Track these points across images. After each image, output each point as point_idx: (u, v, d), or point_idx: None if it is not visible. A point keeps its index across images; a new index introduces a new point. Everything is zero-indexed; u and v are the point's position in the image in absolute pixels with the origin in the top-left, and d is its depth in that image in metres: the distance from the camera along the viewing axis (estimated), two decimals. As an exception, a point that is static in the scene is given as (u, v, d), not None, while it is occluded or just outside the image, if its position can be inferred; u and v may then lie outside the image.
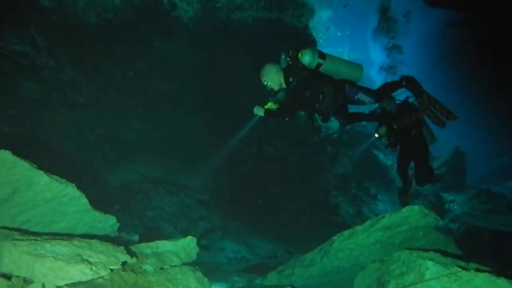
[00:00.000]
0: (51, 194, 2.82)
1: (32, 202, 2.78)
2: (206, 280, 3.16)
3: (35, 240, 2.35)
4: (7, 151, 2.59)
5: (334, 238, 3.97)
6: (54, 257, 2.25)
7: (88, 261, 2.35)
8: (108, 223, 3.29)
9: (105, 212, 5.91)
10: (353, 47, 25.94)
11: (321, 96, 4.97)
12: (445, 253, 3.53)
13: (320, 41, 20.31)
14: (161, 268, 3.01)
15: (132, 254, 2.94)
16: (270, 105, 5.02)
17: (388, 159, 17.73)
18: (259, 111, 5.03)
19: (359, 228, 3.82)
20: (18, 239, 2.26)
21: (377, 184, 15.08)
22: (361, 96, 5.20)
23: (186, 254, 3.32)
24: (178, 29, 10.43)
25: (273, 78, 4.88)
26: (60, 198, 2.88)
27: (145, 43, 9.76)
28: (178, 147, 9.42)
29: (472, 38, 16.38)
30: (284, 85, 4.92)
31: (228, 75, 11.31)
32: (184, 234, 6.97)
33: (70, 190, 2.89)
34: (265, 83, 4.88)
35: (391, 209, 14.03)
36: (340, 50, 25.56)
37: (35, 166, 2.74)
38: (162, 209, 7.57)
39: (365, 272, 3.90)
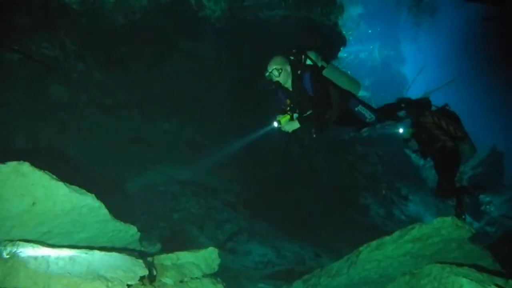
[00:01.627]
0: (71, 205, 2.79)
1: (51, 213, 2.76)
2: (227, 293, 3.08)
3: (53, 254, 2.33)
4: (26, 162, 2.58)
5: (361, 248, 3.81)
6: (70, 273, 2.21)
7: (104, 277, 2.30)
8: (128, 232, 3.25)
9: (128, 219, 5.95)
10: (384, 44, 25.32)
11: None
12: (480, 268, 3.33)
13: (350, 38, 19.96)
14: (181, 281, 2.95)
15: (151, 266, 2.89)
16: (286, 117, 4.72)
17: (420, 158, 17.20)
18: (292, 126, 4.72)
19: (387, 238, 3.65)
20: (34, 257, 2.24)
21: (408, 184, 14.65)
22: (361, 108, 5.05)
23: (207, 266, 3.24)
24: (205, 29, 10.40)
25: (286, 69, 4.66)
26: (79, 208, 2.85)
27: (172, 43, 9.79)
28: (206, 148, 9.42)
29: (509, 32, 15.68)
30: (288, 83, 4.70)
31: (255, 75, 11.22)
32: (210, 238, 6.97)
33: (90, 201, 2.86)
34: (278, 71, 4.59)
35: (423, 210, 13.62)
36: (371, 47, 25.06)
37: (55, 177, 2.72)
38: (188, 211, 7.56)
39: (394, 285, 3.75)
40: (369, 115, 5.09)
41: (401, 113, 5.75)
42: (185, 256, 3.18)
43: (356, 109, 5.02)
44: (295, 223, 9.37)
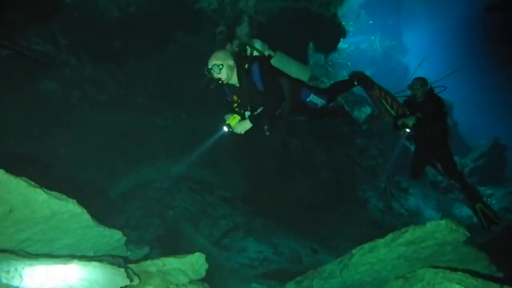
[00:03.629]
0: (51, 212, 2.71)
1: (30, 220, 2.68)
2: (213, 300, 3.00)
3: (28, 266, 2.24)
4: (1, 170, 2.49)
5: (353, 251, 3.73)
6: (42, 287, 2.13)
7: (81, 290, 2.22)
8: (113, 238, 3.16)
9: (122, 216, 5.87)
10: (386, 35, 25.04)
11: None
12: (475, 273, 3.24)
13: (351, 29, 19.70)
14: (166, 289, 2.87)
15: (135, 273, 2.81)
16: (235, 118, 4.29)
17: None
18: (244, 126, 4.27)
19: (380, 241, 3.56)
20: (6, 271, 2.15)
21: (409, 177, 14.52)
22: (313, 98, 4.77)
23: (194, 271, 3.17)
24: (201, 21, 10.24)
25: (230, 65, 4.27)
26: (60, 215, 2.76)
27: (168, 37, 9.63)
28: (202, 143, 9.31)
29: (508, 22, 15.48)
30: (233, 79, 4.32)
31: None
32: (205, 235, 6.90)
33: (71, 207, 2.77)
34: (219, 68, 4.16)
35: (423, 203, 13.53)
36: (372, 37, 24.75)
37: (33, 183, 2.63)
38: (183, 207, 7.50)
39: (386, 289, 3.65)
40: (320, 102, 4.82)
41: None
42: (171, 262, 3.10)
43: (308, 99, 4.75)
44: (293, 219, 9.30)
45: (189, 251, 6.41)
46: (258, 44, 4.48)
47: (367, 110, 16.11)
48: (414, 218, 12.66)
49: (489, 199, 14.43)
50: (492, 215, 6.42)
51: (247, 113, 4.35)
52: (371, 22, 23.96)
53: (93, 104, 7.36)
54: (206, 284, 3.23)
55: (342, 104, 12.85)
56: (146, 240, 6.42)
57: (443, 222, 3.25)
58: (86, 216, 2.90)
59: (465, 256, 3.62)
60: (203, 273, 3.26)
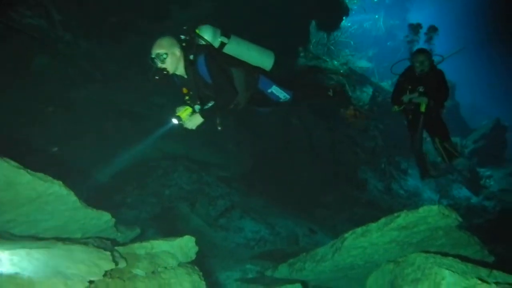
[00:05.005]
0: (36, 193, 2.67)
1: (15, 202, 2.65)
2: (202, 284, 3.00)
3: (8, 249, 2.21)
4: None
5: (346, 235, 3.71)
6: (25, 270, 2.11)
7: (63, 274, 2.20)
8: (101, 219, 3.15)
9: (118, 194, 5.84)
10: (390, 13, 24.59)
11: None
12: (466, 258, 3.23)
13: (355, 7, 19.39)
14: (154, 272, 2.86)
15: (122, 256, 2.79)
16: (187, 110, 3.95)
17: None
18: (195, 121, 3.95)
19: (372, 226, 3.54)
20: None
21: (408, 158, 14.49)
22: (275, 89, 4.35)
23: (184, 254, 3.15)
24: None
25: (175, 54, 3.87)
26: (46, 196, 2.73)
27: (165, 13, 9.43)
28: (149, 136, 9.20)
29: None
30: (180, 70, 3.96)
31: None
32: (201, 215, 6.91)
33: (56, 189, 2.74)
34: (162, 57, 3.78)
35: (422, 184, 13.51)
36: (376, 16, 24.32)
37: (16, 164, 2.59)
38: (180, 187, 7.48)
39: (378, 273, 3.67)
40: (283, 96, 4.40)
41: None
42: (160, 245, 3.08)
43: (269, 90, 4.33)
44: (291, 199, 9.30)
45: (184, 230, 6.43)
46: (206, 31, 4.04)
47: (369, 90, 15.96)
48: (413, 199, 12.68)
49: (487, 181, 14.42)
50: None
51: (197, 107, 4.03)
52: (375, 0, 23.56)
53: (88, 81, 7.26)
54: (195, 267, 3.22)
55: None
56: (142, 219, 6.44)
57: (435, 207, 3.21)
58: (73, 198, 2.87)
59: (457, 241, 3.61)
60: (193, 256, 3.25)
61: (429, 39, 6.55)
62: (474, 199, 13.02)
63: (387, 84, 16.51)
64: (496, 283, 2.68)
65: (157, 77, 3.87)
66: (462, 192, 13.50)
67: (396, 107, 6.10)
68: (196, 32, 4.00)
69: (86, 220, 3.06)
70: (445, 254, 3.23)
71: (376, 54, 20.26)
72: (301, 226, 8.11)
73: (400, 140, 15.03)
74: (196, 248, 3.24)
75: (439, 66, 6.27)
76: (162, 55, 3.79)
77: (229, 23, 10.29)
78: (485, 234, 9.39)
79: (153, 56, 3.84)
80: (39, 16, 6.44)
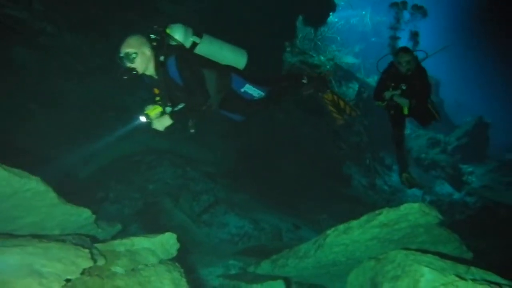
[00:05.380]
0: (12, 189, 2.61)
1: (-10, 199, 2.59)
2: (183, 281, 2.97)
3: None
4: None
5: (328, 232, 3.73)
6: (-1, 269, 2.06)
7: (39, 273, 2.16)
8: (81, 216, 3.10)
9: (100, 189, 5.76)
10: (376, 9, 24.69)
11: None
12: (444, 255, 3.27)
13: (342, 3, 19.42)
14: (133, 270, 2.83)
15: (101, 254, 2.76)
16: (156, 109, 3.80)
17: (406, 128, 17.15)
18: (163, 122, 3.78)
19: (354, 223, 3.56)
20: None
21: (393, 154, 14.62)
22: (248, 88, 4.25)
23: (165, 251, 3.12)
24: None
25: (145, 54, 3.73)
26: (22, 193, 2.68)
27: (153, 6, 9.31)
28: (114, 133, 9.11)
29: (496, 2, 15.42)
30: (149, 70, 3.81)
31: (241, 41, 10.87)
32: (185, 210, 6.88)
33: (34, 185, 2.68)
34: (131, 56, 3.65)
35: (406, 180, 13.63)
36: (363, 12, 24.42)
37: (-9, 161, 2.53)
38: (164, 182, 7.42)
39: (359, 270, 3.69)
40: (257, 93, 4.29)
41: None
42: (140, 242, 3.05)
43: (242, 90, 4.22)
44: (276, 194, 9.32)
45: (168, 226, 6.43)
46: (177, 30, 3.89)
47: (355, 85, 16.04)
48: (397, 195, 12.83)
49: (469, 177, 14.65)
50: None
51: (168, 109, 3.88)
52: (362, -4, 23.67)
53: (71, 74, 7.14)
54: (176, 264, 3.20)
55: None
56: (125, 215, 6.38)
57: (416, 205, 3.24)
58: (51, 194, 2.82)
59: (437, 238, 3.66)
60: (174, 253, 3.23)
61: (415, 44, 6.53)
62: (457, 195, 13.23)
63: (373, 80, 16.63)
64: (473, 279, 2.73)
65: (125, 77, 3.73)
66: (445, 188, 13.70)
67: (379, 102, 6.12)
68: (166, 32, 3.87)
69: (65, 216, 3.01)
70: (425, 251, 3.27)
71: (363, 50, 20.36)
72: (285, 222, 8.13)
73: (384, 136, 15.20)
74: (177, 245, 3.22)
75: (424, 64, 6.28)
76: (131, 55, 3.66)
77: (217, 17, 10.27)
78: (466, 229, 9.57)
79: (121, 55, 3.70)
80: (20, 7, 6.28)
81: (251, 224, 7.38)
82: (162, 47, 3.79)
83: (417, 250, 3.37)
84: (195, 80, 3.78)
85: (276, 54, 12.36)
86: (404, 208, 3.28)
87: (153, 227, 6.06)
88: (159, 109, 3.85)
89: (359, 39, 21.98)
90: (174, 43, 3.87)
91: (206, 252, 5.82)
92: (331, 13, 14.29)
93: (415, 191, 13.01)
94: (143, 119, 3.82)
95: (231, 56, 4.18)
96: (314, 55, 15.11)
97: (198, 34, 3.98)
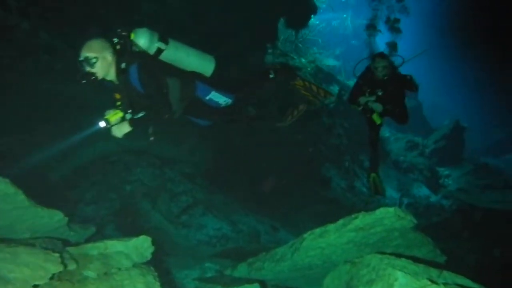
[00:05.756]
0: (-21, 192, 2.54)
1: (-44, 201, 2.51)
2: (157, 285, 2.93)
3: None
4: None
5: (305, 235, 3.74)
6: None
7: (5, 279, 2.09)
8: (53, 218, 3.02)
9: (75, 190, 5.63)
10: (357, 13, 24.97)
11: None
12: (418, 259, 3.32)
13: (323, 6, 19.55)
14: (106, 273, 2.77)
15: (72, 258, 2.70)
16: (117, 114, 3.67)
17: (385, 130, 17.40)
18: (122, 129, 3.69)
19: (331, 227, 3.58)
20: None
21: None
22: (214, 96, 4.15)
23: (139, 255, 3.07)
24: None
25: (106, 59, 3.61)
26: (-10, 196, 2.60)
27: (131, 3, 9.18)
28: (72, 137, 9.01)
29: (473, 8, 15.83)
30: (110, 75, 3.69)
31: (224, 43, 10.82)
32: (162, 211, 6.81)
33: (2, 187, 2.61)
34: (91, 61, 3.51)
35: (384, 183, 13.80)
36: (344, 15, 24.67)
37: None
38: (142, 182, 7.32)
39: (335, 273, 3.71)
40: (223, 101, 4.21)
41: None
42: (114, 245, 2.99)
43: (208, 97, 4.13)
44: (255, 195, 9.32)
45: (145, 227, 6.35)
46: (141, 35, 3.76)
47: (335, 88, 16.18)
48: (375, 197, 12.94)
49: (446, 180, 14.93)
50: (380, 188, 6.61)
51: (128, 115, 3.72)
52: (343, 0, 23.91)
53: (48, 73, 6.97)
54: (151, 267, 3.16)
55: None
56: (101, 216, 6.28)
57: (391, 209, 3.28)
58: (21, 196, 2.74)
59: (411, 242, 3.70)
60: (149, 256, 3.18)
61: (390, 52, 6.58)
62: (433, 198, 13.47)
63: (353, 83, 16.76)
64: (445, 283, 2.77)
65: (84, 81, 3.60)
66: (422, 191, 13.92)
67: (355, 105, 6.17)
68: (130, 37, 3.73)
69: (36, 219, 2.93)
70: (399, 255, 3.31)
71: (343, 52, 20.54)
72: (263, 223, 8.13)
73: (364, 139, 15.37)
74: (152, 248, 3.17)
75: (402, 67, 6.34)
76: (91, 59, 3.53)
77: (198, 18, 10.20)
78: (442, 232, 9.75)
79: (81, 59, 3.56)
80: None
81: (229, 225, 7.36)
82: (124, 53, 3.67)
83: (392, 254, 3.41)
84: (157, 90, 3.68)
85: (258, 56, 12.36)
86: (380, 212, 3.32)
87: (130, 229, 5.99)
88: (120, 114, 3.71)
89: (340, 42, 22.18)
90: (138, 49, 3.76)
91: (183, 254, 5.77)
92: (312, 16, 14.36)
93: (393, 194, 13.19)
94: (102, 124, 3.69)
95: (198, 62, 4.09)
96: (295, 57, 15.17)
97: (164, 39, 3.87)
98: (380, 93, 5.80)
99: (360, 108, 6.07)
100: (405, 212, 3.34)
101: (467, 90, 26.10)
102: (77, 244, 3.08)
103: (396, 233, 3.56)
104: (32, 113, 6.61)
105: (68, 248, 2.82)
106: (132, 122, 3.69)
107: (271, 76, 4.70)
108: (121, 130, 3.70)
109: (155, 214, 6.51)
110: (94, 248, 2.92)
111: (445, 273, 3.06)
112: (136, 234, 3.22)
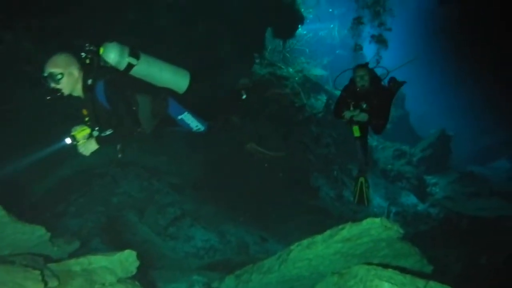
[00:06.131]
0: (-43, 208, 2.48)
1: None
2: (141, 300, 2.88)
3: None
4: None
5: (292, 247, 3.73)
6: None
7: (-18, 298, 2.04)
8: (34, 234, 2.96)
9: (60, 204, 5.52)
10: (344, 24, 25.25)
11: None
12: (404, 270, 3.32)
13: (310, 16, 19.75)
14: (89, 290, 2.72)
15: (54, 275, 2.64)
16: (84, 131, 3.57)
17: (373, 139, 17.51)
18: (89, 147, 3.54)
19: (318, 238, 3.58)
20: None
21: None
22: (186, 117, 4.02)
23: (124, 269, 3.02)
24: (157, 2, 9.81)
25: (72, 74, 3.48)
26: (-31, 212, 2.54)
27: (117, 13, 9.13)
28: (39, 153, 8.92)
29: (459, 17, 16.11)
30: (77, 91, 3.56)
31: (211, 53, 10.82)
32: (150, 223, 6.73)
33: (-18, 203, 2.56)
34: (56, 77, 3.37)
35: (372, 191, 13.87)
36: (331, 26, 24.92)
37: None
38: (129, 194, 7.25)
39: (322, 285, 3.69)
40: (195, 126, 4.08)
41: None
42: (98, 260, 2.94)
43: (179, 117, 4.01)
44: (243, 206, 9.26)
45: (132, 240, 6.26)
46: (111, 50, 3.63)
47: (323, 97, 16.27)
48: (363, 206, 12.98)
49: (433, 188, 15.04)
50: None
51: (95, 133, 3.61)
52: (330, 10, 24.14)
53: (29, 83, 6.88)
54: (136, 282, 3.11)
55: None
56: (87, 229, 6.18)
57: (378, 220, 3.29)
58: (1, 212, 2.68)
59: (398, 252, 3.70)
60: (134, 271, 3.13)
61: (377, 61, 6.59)
62: (421, 206, 13.53)
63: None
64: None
65: (48, 98, 3.43)
66: (410, 199, 13.99)
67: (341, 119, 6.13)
68: (99, 52, 3.61)
69: (17, 235, 2.87)
70: (386, 266, 3.30)
71: (331, 62, 20.71)
72: (252, 234, 8.09)
73: (352, 148, 15.45)
74: (137, 262, 3.12)
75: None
76: (56, 75, 3.38)
77: (184, 27, 10.20)
78: (429, 240, 9.80)
79: (45, 75, 3.41)
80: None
81: (217, 237, 7.32)
82: (91, 69, 3.54)
83: (379, 264, 3.40)
84: (124, 108, 3.54)
85: (246, 66, 12.40)
86: (367, 222, 3.32)
87: (117, 242, 5.90)
88: (87, 131, 3.61)
89: (327, 52, 22.37)
90: (107, 64, 3.64)
91: (171, 266, 5.70)
92: (299, 26, 14.48)
93: (381, 202, 13.24)
94: (68, 141, 3.58)
95: (171, 78, 3.96)
96: (283, 66, 15.25)
97: (135, 54, 3.74)
98: (364, 106, 5.77)
99: (345, 120, 6.05)
100: (391, 222, 3.35)
101: (455, 98, 26.43)
102: (59, 260, 3.02)
103: (383, 243, 3.56)
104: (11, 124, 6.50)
105: (50, 265, 2.76)
106: (99, 139, 3.57)
107: (243, 97, 4.61)
108: (88, 147, 3.57)
109: (142, 227, 6.44)
110: (77, 264, 2.87)
111: (431, 283, 3.06)
112: (123, 247, 3.18)
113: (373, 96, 5.80)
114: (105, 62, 3.63)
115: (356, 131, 5.90)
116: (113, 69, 3.65)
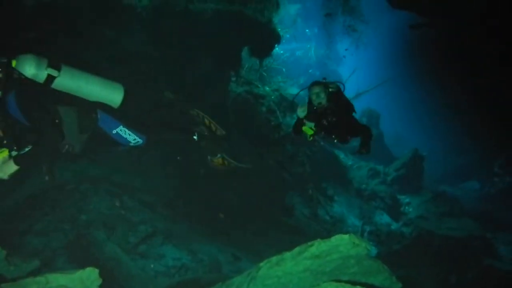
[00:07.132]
0: None
1: None
2: (101, 320, 2.77)
3: None
4: None
5: (261, 264, 3.68)
6: None
7: None
8: (-10, 251, 2.83)
9: (24, 222, 5.36)
10: (320, 44, 25.76)
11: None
12: (372, 287, 3.32)
13: (287, 36, 20.06)
14: (45, 309, 2.60)
15: (8, 293, 2.51)
16: (2, 153, 3.25)
17: (349, 159, 17.71)
18: (8, 168, 3.29)
19: (287, 255, 3.54)
20: None
21: (335, 184, 14.99)
22: (122, 131, 3.89)
23: (84, 288, 2.91)
24: (131, 19, 9.80)
25: None
26: None
27: (93, 32, 9.06)
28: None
29: (432, 39, 16.62)
30: None
31: (187, 70, 10.81)
32: (119, 242, 6.56)
33: None
34: None
35: (347, 211, 13.97)
36: (308, 46, 25.36)
37: None
38: (99, 211, 7.06)
39: (291, 303, 3.63)
40: (133, 139, 3.95)
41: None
42: (56, 279, 2.82)
43: (114, 131, 3.86)
44: (216, 224, 9.15)
45: (99, 259, 6.07)
46: (25, 63, 3.47)
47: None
48: (338, 225, 13.02)
49: (406, 207, 15.25)
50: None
51: (14, 153, 3.33)
52: (307, 30, 24.60)
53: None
54: (97, 302, 2.99)
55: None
56: (52, 248, 5.97)
57: (346, 236, 3.28)
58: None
59: (368, 269, 3.69)
60: (95, 289, 3.01)
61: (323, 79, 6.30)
62: (394, 225, 13.67)
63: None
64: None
65: None
66: (383, 218, 14.12)
67: (308, 136, 5.88)
68: (11, 64, 3.39)
69: (-30, 252, 2.74)
70: (355, 283, 3.29)
71: (307, 81, 20.99)
72: (225, 253, 7.97)
73: (327, 167, 15.56)
74: (99, 281, 3.01)
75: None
76: None
77: (159, 44, 10.19)
78: (402, 259, 9.87)
79: None
80: None
81: (189, 255, 7.19)
82: (4, 81, 3.29)
83: (348, 281, 3.39)
84: (42, 119, 3.38)
85: (222, 84, 12.44)
86: (335, 239, 3.32)
87: (83, 261, 5.70)
88: (5, 152, 3.30)
89: (304, 71, 22.70)
90: (24, 77, 3.46)
91: (140, 286, 5.54)
92: (276, 45, 14.65)
93: (355, 222, 13.30)
94: None
95: (101, 92, 3.80)
96: (259, 85, 15.35)
97: (55, 66, 3.59)
98: (326, 123, 5.58)
99: (311, 138, 5.80)
100: (360, 239, 3.35)
101: (428, 119, 27.04)
102: (15, 279, 2.88)
103: (352, 260, 3.55)
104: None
105: (4, 285, 2.63)
106: (17, 159, 3.33)
107: (194, 137, 4.57)
108: (6, 171, 3.34)
109: (111, 245, 6.25)
110: (34, 283, 2.74)
111: (399, 300, 3.06)
112: (88, 266, 3.07)
113: (331, 113, 5.55)
114: (22, 75, 3.46)
115: (308, 131, 5.63)
116: (30, 82, 3.48)
